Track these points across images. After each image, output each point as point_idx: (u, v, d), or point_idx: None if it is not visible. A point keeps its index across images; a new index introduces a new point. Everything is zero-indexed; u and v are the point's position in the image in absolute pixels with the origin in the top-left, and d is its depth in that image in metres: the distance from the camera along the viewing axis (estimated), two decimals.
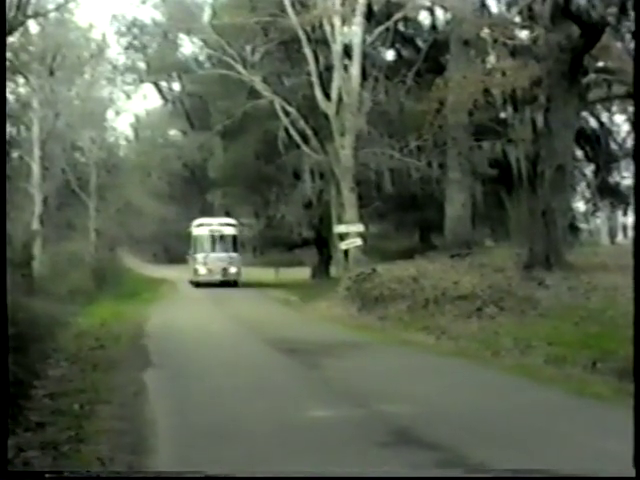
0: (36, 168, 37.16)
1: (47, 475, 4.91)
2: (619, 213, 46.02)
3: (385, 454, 7.59)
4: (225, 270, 38.53)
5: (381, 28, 31.35)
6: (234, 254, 39.39)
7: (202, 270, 38.53)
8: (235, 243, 39.86)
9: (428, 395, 10.49)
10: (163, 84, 54.42)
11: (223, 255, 38.96)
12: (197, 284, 38.48)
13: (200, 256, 38.86)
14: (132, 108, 57.58)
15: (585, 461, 7.09)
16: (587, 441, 7.92)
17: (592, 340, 13.08)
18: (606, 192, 37.37)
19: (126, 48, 45.86)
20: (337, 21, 30.49)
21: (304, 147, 33.44)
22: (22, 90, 37.14)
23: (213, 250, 39.13)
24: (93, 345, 15.80)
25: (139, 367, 13.14)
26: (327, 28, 30.50)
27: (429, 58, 32.95)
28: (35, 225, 35.80)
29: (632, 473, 4.42)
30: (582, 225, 42.21)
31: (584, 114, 31.37)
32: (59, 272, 30.37)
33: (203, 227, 40.57)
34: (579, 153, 34.80)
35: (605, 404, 9.73)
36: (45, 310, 18.26)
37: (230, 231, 40.11)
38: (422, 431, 8.44)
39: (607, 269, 19.74)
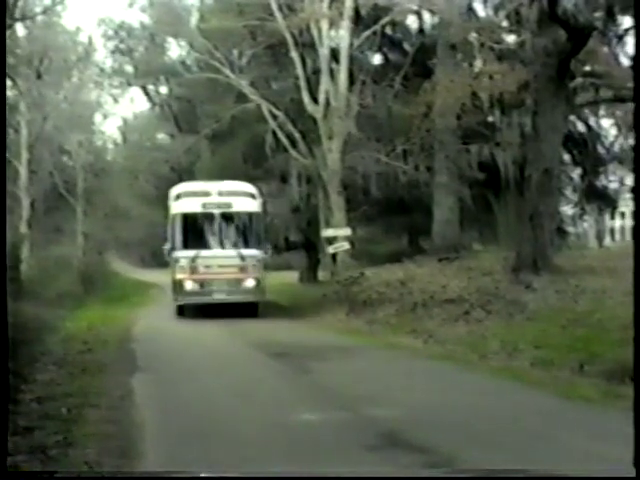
0: (24, 171, 37.07)
1: (45, 475, 4.91)
2: (606, 216, 46.19)
3: (373, 457, 7.60)
4: (236, 283, 22.76)
5: (368, 32, 31.30)
6: (252, 251, 23.07)
7: (189, 284, 22.59)
8: (255, 229, 23.58)
9: (416, 398, 10.50)
10: (150, 87, 54.02)
11: (230, 253, 22.81)
12: (180, 310, 23.31)
13: (184, 257, 22.72)
14: (120, 111, 57.95)
15: (575, 463, 7.10)
16: (576, 443, 7.93)
17: (580, 343, 13.10)
18: (593, 196, 37.44)
19: (113, 51, 45.66)
20: (324, 25, 30.49)
21: (292, 151, 33.30)
22: (9, 93, 37.00)
23: (211, 244, 23.08)
24: (81, 349, 15.79)
25: (127, 371, 13.12)
26: (314, 32, 30.47)
27: (416, 62, 32.92)
28: (23, 229, 35.69)
29: (631, 473, 4.43)
30: (570, 228, 42.31)
31: (571, 118, 31.44)
32: (47, 276, 30.30)
33: (192, 199, 23.22)
34: (566, 157, 34.81)
35: (593, 406, 9.75)
36: (33, 314, 18.19)
37: (244, 205, 23.38)
38: (410, 434, 8.45)
39: (595, 272, 19.81)
